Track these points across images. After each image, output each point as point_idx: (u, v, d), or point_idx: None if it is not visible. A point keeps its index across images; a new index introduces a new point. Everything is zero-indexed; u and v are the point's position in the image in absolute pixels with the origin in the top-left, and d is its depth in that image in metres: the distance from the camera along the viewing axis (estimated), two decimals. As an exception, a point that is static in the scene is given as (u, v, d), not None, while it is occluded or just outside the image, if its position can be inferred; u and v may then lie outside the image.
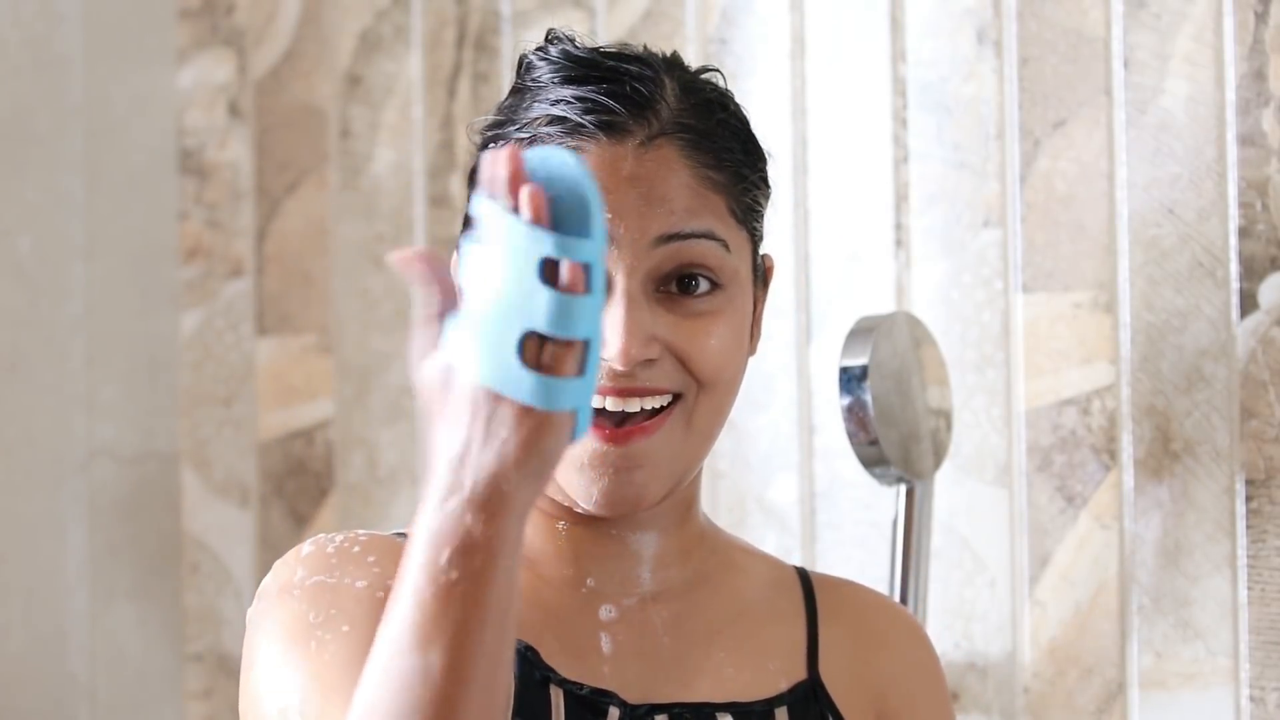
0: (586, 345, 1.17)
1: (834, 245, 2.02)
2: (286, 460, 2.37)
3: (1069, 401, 1.88)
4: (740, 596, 1.45)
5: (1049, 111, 1.90)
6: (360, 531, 1.39)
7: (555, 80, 1.39)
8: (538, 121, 1.39)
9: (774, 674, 1.42)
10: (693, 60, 2.08)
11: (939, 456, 1.87)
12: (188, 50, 2.43)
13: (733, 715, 1.39)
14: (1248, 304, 1.79)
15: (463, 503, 1.18)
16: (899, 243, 1.98)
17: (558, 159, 1.17)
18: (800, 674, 1.42)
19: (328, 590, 1.35)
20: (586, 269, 1.16)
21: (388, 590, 1.25)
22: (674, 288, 1.37)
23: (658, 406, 1.36)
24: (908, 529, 1.86)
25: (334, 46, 2.36)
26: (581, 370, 1.17)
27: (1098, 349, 1.87)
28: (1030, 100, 1.91)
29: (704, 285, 1.37)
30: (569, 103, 1.38)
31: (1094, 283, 1.87)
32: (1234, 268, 1.80)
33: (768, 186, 1.43)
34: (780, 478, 2.03)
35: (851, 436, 1.82)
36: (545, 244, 1.15)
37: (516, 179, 1.17)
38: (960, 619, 1.93)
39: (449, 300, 1.21)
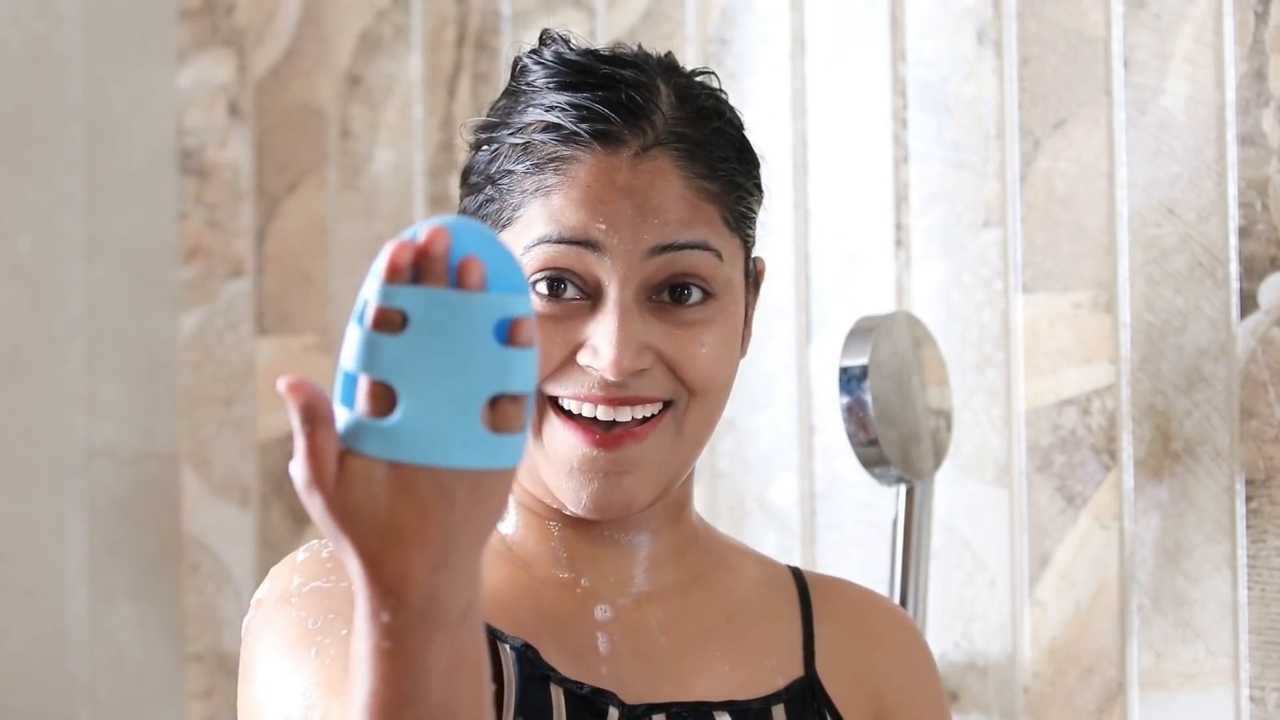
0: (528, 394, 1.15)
1: (834, 245, 2.02)
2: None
3: (1069, 401, 1.88)
4: (734, 595, 1.45)
5: (1049, 111, 1.90)
6: None
7: (550, 85, 1.39)
8: (531, 127, 1.38)
9: (770, 672, 1.42)
10: (692, 61, 2.08)
11: (939, 456, 1.87)
12: (188, 50, 2.43)
13: (730, 714, 1.39)
14: (1248, 304, 1.79)
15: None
16: (899, 243, 1.98)
17: (460, 225, 1.13)
18: (797, 671, 1.43)
19: (325, 595, 1.34)
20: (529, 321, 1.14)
21: None
22: (666, 297, 1.36)
23: (648, 415, 1.36)
24: (908, 529, 1.86)
25: (334, 46, 2.36)
26: (526, 419, 1.15)
27: (1098, 349, 1.87)
28: (1030, 100, 1.91)
29: (696, 295, 1.37)
30: (563, 110, 1.37)
31: (1094, 283, 1.87)
32: (1234, 268, 1.80)
33: (761, 192, 1.43)
34: (780, 478, 2.03)
35: (851, 436, 1.82)
36: (502, 307, 1.12)
37: (443, 257, 1.12)
38: (960, 619, 1.93)
39: (324, 411, 1.14)
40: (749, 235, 1.41)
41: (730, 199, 1.38)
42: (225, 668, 2.38)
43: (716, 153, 1.38)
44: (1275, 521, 1.78)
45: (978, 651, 1.92)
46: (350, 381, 1.13)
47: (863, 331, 1.83)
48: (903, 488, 1.85)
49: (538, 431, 1.37)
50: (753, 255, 1.43)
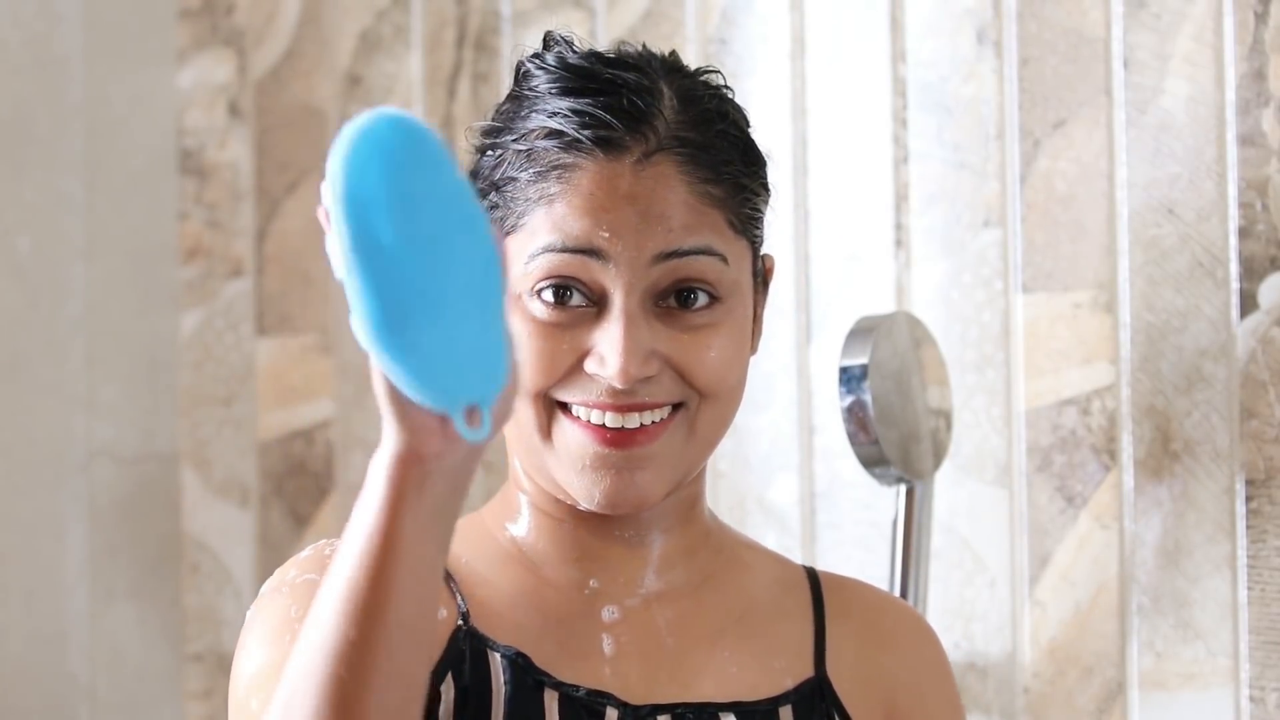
0: None
1: (834, 245, 2.02)
2: (286, 460, 2.37)
3: (1069, 401, 1.88)
4: (746, 595, 1.45)
5: (1049, 112, 1.90)
6: None
7: (552, 90, 1.38)
8: (534, 134, 1.38)
9: (779, 672, 1.41)
10: (693, 61, 2.08)
11: (939, 456, 1.87)
12: (188, 50, 2.43)
13: (736, 715, 1.39)
14: (1248, 304, 1.79)
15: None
16: (899, 243, 1.98)
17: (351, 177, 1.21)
18: (807, 672, 1.42)
19: (313, 587, 1.35)
20: None
21: None
22: (673, 301, 1.36)
23: (658, 419, 1.36)
24: (908, 529, 1.85)
25: (334, 46, 2.35)
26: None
27: (1098, 349, 1.87)
28: (1030, 100, 1.91)
29: (703, 299, 1.36)
30: (565, 116, 1.36)
31: (1094, 283, 1.87)
32: (1234, 268, 1.80)
33: (767, 191, 1.43)
34: (780, 478, 2.03)
35: (851, 437, 1.82)
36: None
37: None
38: (960, 619, 1.93)
39: None
40: (756, 235, 1.41)
41: (735, 201, 1.38)
42: (225, 668, 2.38)
43: (720, 156, 1.38)
44: (1275, 521, 1.77)
45: (978, 651, 1.92)
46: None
47: (863, 331, 1.83)
48: (903, 488, 1.85)
49: (546, 434, 1.37)
50: (761, 253, 1.43)
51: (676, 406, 1.37)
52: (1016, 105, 1.92)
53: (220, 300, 2.41)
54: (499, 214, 1.39)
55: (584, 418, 1.35)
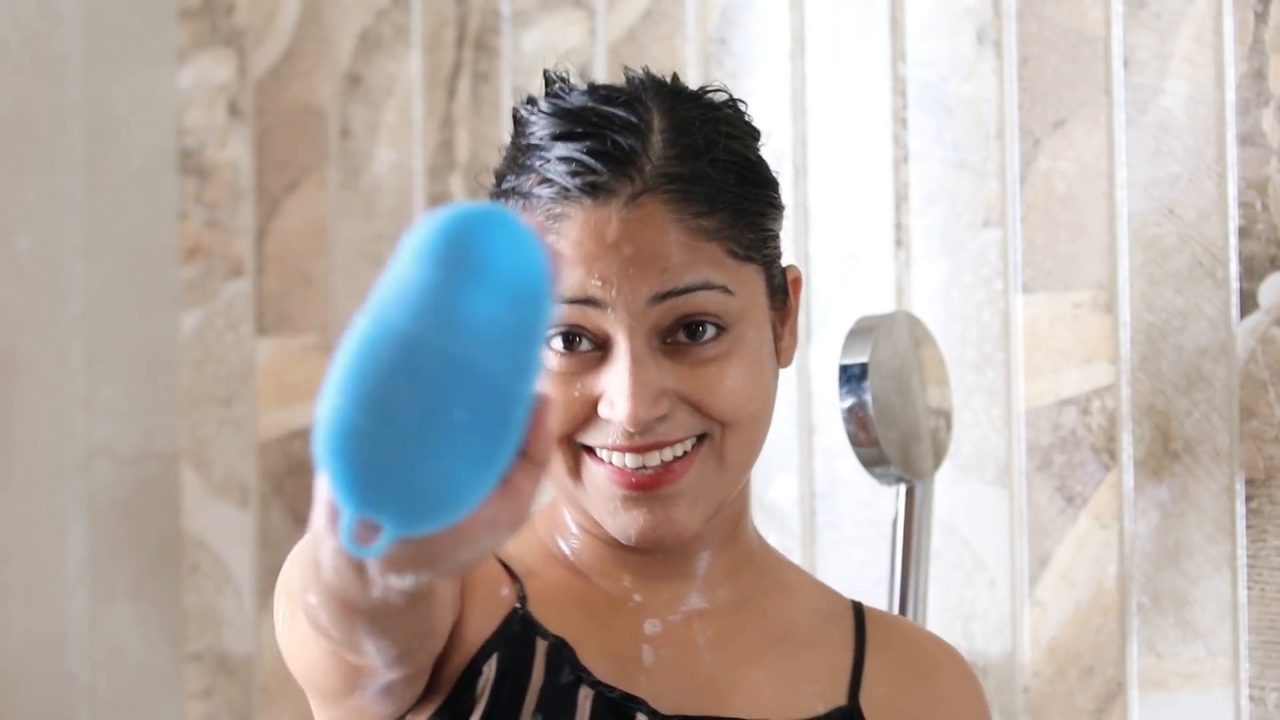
0: None
1: (834, 245, 2.02)
2: (286, 460, 2.37)
3: (1069, 401, 1.88)
4: (787, 619, 1.45)
5: (1049, 111, 1.90)
6: None
7: (543, 138, 1.38)
8: (530, 183, 1.38)
9: (811, 696, 1.41)
10: (692, 61, 2.08)
11: (939, 456, 1.87)
12: (188, 50, 2.43)
13: None
14: (1247, 304, 1.79)
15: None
16: (899, 242, 1.98)
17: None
18: (840, 700, 1.42)
19: None
20: None
21: None
22: (682, 335, 1.35)
23: (680, 454, 1.36)
24: (908, 529, 1.85)
25: (334, 46, 2.35)
26: None
27: (1098, 349, 1.87)
28: (1030, 100, 1.91)
29: (710, 331, 1.35)
30: (554, 165, 1.36)
31: (1094, 282, 1.87)
32: (1234, 267, 1.79)
33: (777, 208, 1.41)
34: (780, 478, 2.03)
35: (851, 436, 1.82)
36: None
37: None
38: (960, 619, 1.93)
39: None
40: (766, 255, 1.39)
41: (735, 229, 1.36)
42: (225, 667, 2.38)
43: (714, 186, 1.36)
44: (1275, 521, 1.77)
45: (978, 651, 1.92)
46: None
47: (863, 331, 1.83)
48: (902, 487, 1.85)
49: (576, 476, 1.37)
50: (781, 266, 1.42)
51: (701, 438, 1.36)
52: (1016, 105, 1.92)
53: (220, 300, 2.41)
54: None
55: (607, 459, 1.35)
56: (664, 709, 1.37)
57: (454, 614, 1.32)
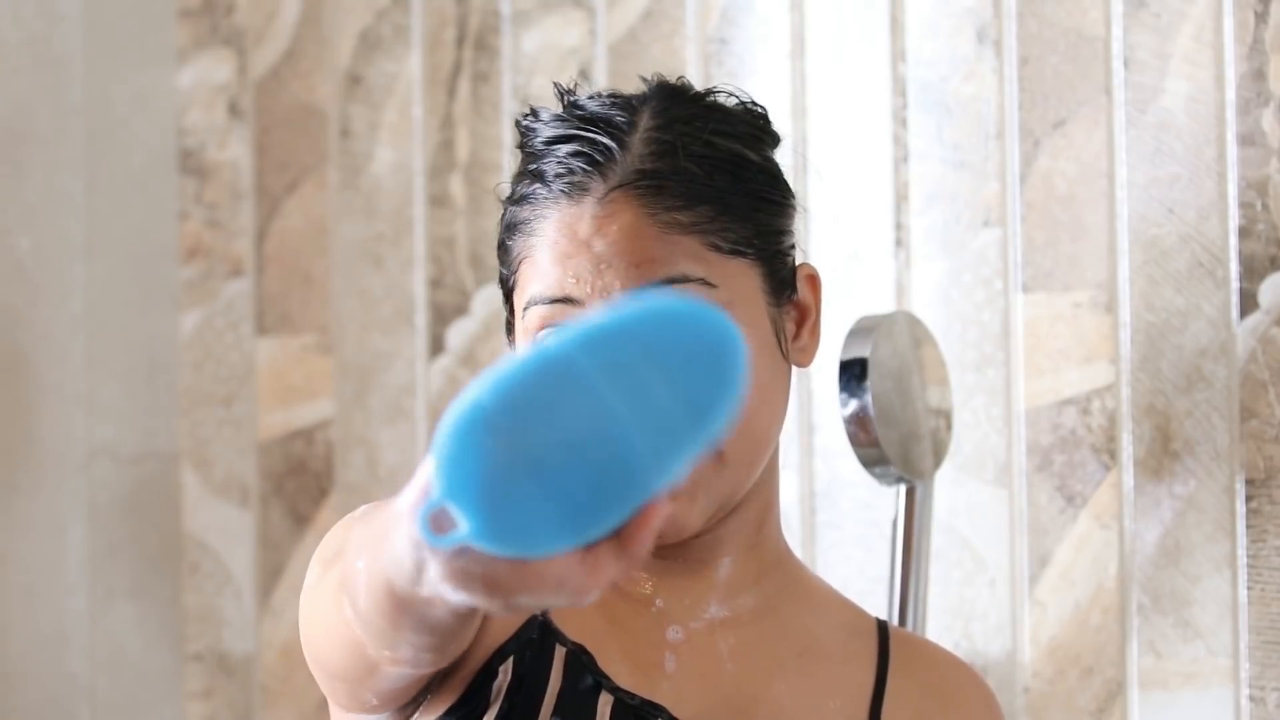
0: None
1: (834, 245, 2.02)
2: (286, 460, 2.37)
3: (1069, 401, 1.88)
4: (810, 633, 1.45)
5: (1049, 111, 1.90)
6: None
7: (537, 143, 1.40)
8: (523, 187, 1.40)
9: (833, 712, 1.41)
10: (692, 60, 2.08)
11: (939, 456, 1.87)
12: (188, 50, 2.43)
13: None
14: (1247, 304, 1.79)
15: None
16: (899, 242, 1.98)
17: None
18: (861, 717, 1.42)
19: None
20: None
21: None
22: None
23: None
24: (908, 529, 1.85)
25: (334, 46, 2.35)
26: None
27: (1098, 349, 1.87)
28: (1030, 100, 1.91)
29: None
30: (539, 168, 1.38)
31: (1094, 282, 1.87)
32: (1234, 267, 1.79)
33: (775, 203, 1.41)
34: (780, 477, 2.03)
35: (851, 436, 1.81)
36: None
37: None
38: (960, 619, 1.93)
39: None
40: (763, 250, 1.39)
41: (718, 223, 1.36)
42: (225, 667, 2.38)
43: (692, 180, 1.36)
44: (1275, 521, 1.77)
45: (978, 651, 1.91)
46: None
47: (863, 331, 1.83)
48: (903, 487, 1.85)
49: None
50: (789, 262, 1.42)
51: None
52: (1016, 105, 1.92)
53: (220, 300, 2.41)
54: (504, 274, 1.41)
55: None
56: (684, 717, 1.37)
57: (475, 630, 1.31)
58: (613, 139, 1.36)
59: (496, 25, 2.24)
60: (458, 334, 2.25)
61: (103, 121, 2.40)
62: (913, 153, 1.98)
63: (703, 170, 1.37)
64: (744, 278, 1.38)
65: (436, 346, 2.27)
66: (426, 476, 1.02)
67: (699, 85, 1.45)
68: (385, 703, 1.32)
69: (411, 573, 1.06)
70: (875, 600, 1.86)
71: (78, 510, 2.36)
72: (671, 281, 1.34)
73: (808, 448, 2.02)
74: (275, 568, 2.36)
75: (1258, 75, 1.79)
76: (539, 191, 1.38)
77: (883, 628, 1.48)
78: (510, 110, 2.21)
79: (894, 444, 1.82)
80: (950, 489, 1.92)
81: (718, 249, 1.36)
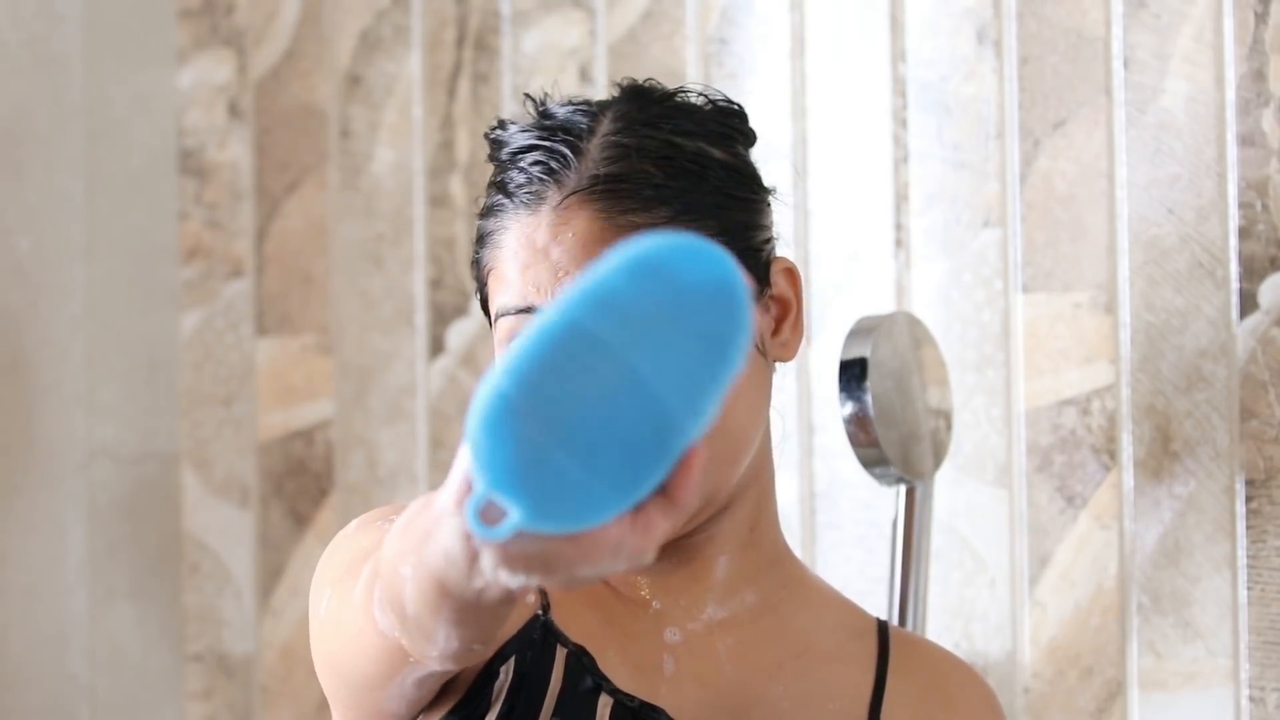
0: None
1: (834, 245, 2.01)
2: (286, 460, 2.37)
3: (1069, 402, 1.88)
4: (808, 634, 1.44)
5: (1049, 111, 1.90)
6: None
7: (503, 154, 1.41)
8: (490, 196, 1.41)
9: (831, 714, 1.41)
10: (692, 61, 2.08)
11: (939, 457, 1.87)
12: (188, 50, 2.43)
13: None
14: (1247, 304, 1.79)
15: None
16: (899, 243, 1.98)
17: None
18: (860, 719, 1.42)
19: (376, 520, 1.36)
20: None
21: None
22: None
23: None
24: (908, 529, 1.85)
25: (334, 46, 2.35)
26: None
27: (1098, 349, 1.87)
28: (1030, 100, 1.91)
29: None
30: (505, 178, 1.39)
31: (1094, 283, 1.87)
32: (1234, 268, 1.79)
33: (744, 200, 1.41)
34: (780, 478, 2.02)
35: (851, 437, 1.81)
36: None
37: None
38: (960, 619, 1.93)
39: None
40: (733, 246, 1.37)
41: (678, 224, 1.35)
42: (225, 668, 2.38)
43: (648, 182, 1.36)
44: (1275, 521, 1.77)
45: (978, 652, 1.91)
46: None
47: (863, 331, 1.82)
48: (903, 488, 1.85)
49: None
50: (764, 258, 1.42)
51: None
52: (1016, 105, 1.92)
53: (220, 300, 2.41)
54: (477, 284, 1.42)
55: None
56: (682, 719, 1.37)
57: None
58: (569, 146, 1.37)
59: (496, 25, 2.24)
60: (458, 334, 2.25)
61: (102, 122, 2.40)
62: (913, 153, 1.97)
63: (662, 171, 1.37)
64: None
65: (436, 347, 2.27)
66: (464, 472, 1.02)
67: (699, 85, 1.45)
68: (412, 708, 1.32)
69: (465, 567, 1.06)
70: (875, 601, 1.86)
71: (77, 510, 2.36)
72: None
73: (808, 448, 2.02)
74: (275, 568, 2.36)
75: (1258, 76, 1.79)
76: (502, 203, 1.38)
77: (883, 628, 1.48)
78: (510, 111, 2.21)
79: (894, 444, 1.82)
80: (950, 489, 1.92)
81: None
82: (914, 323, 1.87)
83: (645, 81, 1.43)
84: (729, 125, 1.42)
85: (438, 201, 2.27)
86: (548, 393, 1.00)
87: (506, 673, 1.35)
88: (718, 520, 1.41)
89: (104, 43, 2.40)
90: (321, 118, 2.35)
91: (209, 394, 2.41)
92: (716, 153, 1.40)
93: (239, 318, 2.40)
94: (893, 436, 1.82)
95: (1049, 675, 1.88)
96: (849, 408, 1.80)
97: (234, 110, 2.41)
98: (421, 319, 2.28)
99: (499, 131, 1.42)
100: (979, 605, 1.92)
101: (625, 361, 1.01)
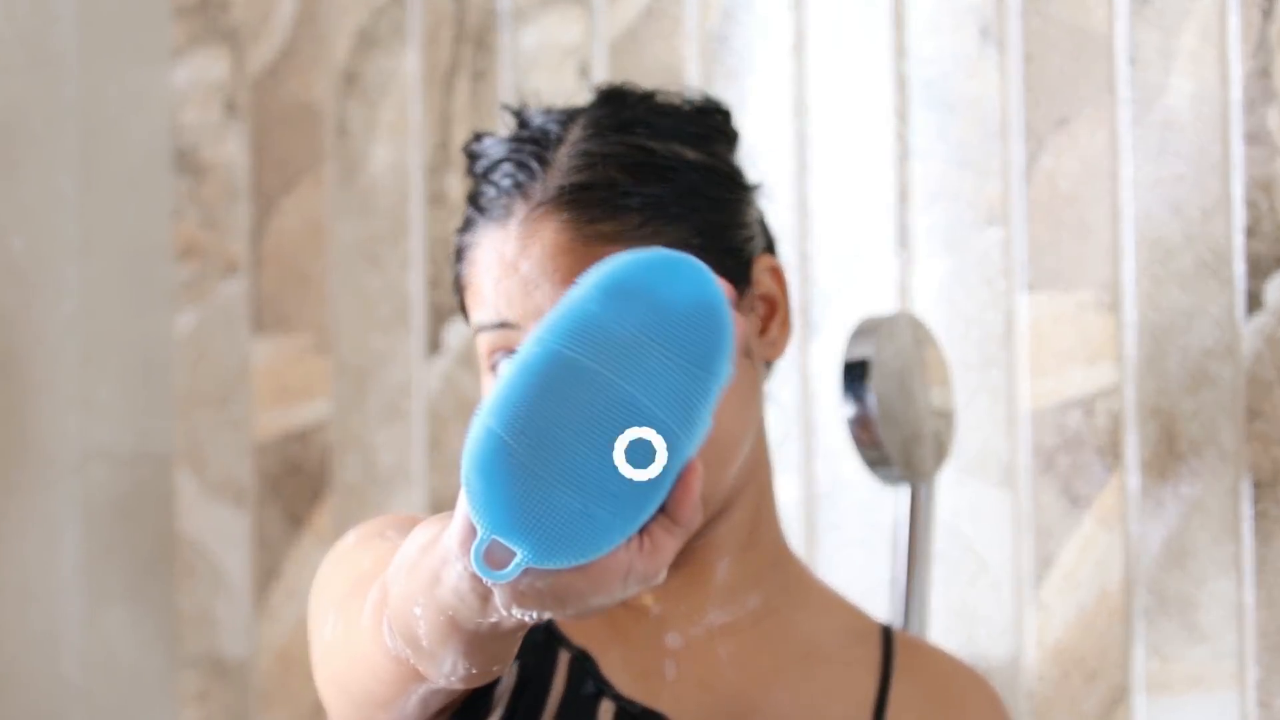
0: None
1: (835, 244, 2.01)
2: (283, 461, 2.36)
3: (1073, 402, 1.87)
4: (810, 637, 1.44)
5: (1053, 109, 1.89)
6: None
7: (478, 167, 1.41)
8: (467, 210, 1.41)
9: (835, 719, 1.40)
10: (692, 59, 2.07)
11: (941, 457, 1.86)
12: (183, 47, 2.43)
13: None
14: (1253, 303, 1.78)
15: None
16: (901, 242, 1.97)
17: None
18: None
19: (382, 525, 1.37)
20: None
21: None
22: None
23: None
24: (911, 531, 1.85)
25: (331, 44, 2.35)
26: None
27: (1102, 349, 1.86)
28: (1034, 98, 1.90)
29: None
30: (479, 191, 1.39)
31: (1098, 282, 1.86)
32: (1239, 266, 1.79)
33: (718, 199, 1.40)
34: (781, 478, 2.02)
35: (854, 437, 1.81)
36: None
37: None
38: (963, 621, 1.92)
39: None
40: (709, 247, 1.37)
41: (648, 229, 1.35)
42: (219, 671, 2.37)
43: (615, 190, 1.36)
44: (1282, 523, 1.77)
45: (981, 654, 1.91)
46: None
47: (865, 332, 1.82)
48: (905, 489, 1.85)
49: None
50: (744, 257, 1.41)
51: None
52: (1020, 102, 1.91)
53: (216, 299, 2.40)
54: (457, 299, 1.42)
55: None
56: None
57: None
58: (536, 158, 1.37)
59: (495, 23, 2.23)
60: (456, 334, 2.24)
61: (97, 120, 2.39)
62: (915, 151, 1.97)
63: (631, 177, 1.36)
64: None
65: (434, 346, 2.26)
66: (465, 514, 1.02)
67: (699, 83, 1.44)
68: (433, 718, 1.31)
69: (477, 605, 1.07)
70: (877, 603, 1.85)
71: (71, 512, 2.35)
72: None
73: (808, 448, 2.01)
74: (271, 570, 2.35)
75: (1263, 73, 1.78)
76: (475, 217, 1.39)
77: (886, 632, 1.47)
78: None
79: (896, 445, 1.81)
80: (954, 490, 1.92)
81: None
82: (916, 323, 1.86)
83: (623, 84, 1.43)
84: (707, 125, 1.42)
85: (436, 200, 2.26)
86: (538, 427, 1.00)
87: (508, 676, 1.34)
88: (716, 524, 1.40)
89: (98, 39, 2.39)
90: (318, 115, 2.35)
91: (204, 394, 2.40)
92: (691, 154, 1.39)
93: (235, 317, 2.39)
94: (895, 437, 1.81)
95: (1053, 678, 1.88)
96: (851, 409, 1.80)
97: (230, 108, 2.40)
98: (419, 318, 2.27)
99: (475, 145, 1.42)
100: (982, 607, 1.91)
101: (611, 386, 1.01)
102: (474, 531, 1.02)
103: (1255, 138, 1.78)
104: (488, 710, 1.33)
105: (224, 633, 2.37)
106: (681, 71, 2.08)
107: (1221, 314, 1.80)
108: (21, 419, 2.33)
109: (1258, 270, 1.78)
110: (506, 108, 1.44)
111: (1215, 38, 1.81)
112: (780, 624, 1.42)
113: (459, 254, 1.40)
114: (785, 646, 1.42)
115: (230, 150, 2.40)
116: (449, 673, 1.17)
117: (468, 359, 2.23)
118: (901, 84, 1.98)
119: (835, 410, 1.95)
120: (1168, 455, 1.82)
